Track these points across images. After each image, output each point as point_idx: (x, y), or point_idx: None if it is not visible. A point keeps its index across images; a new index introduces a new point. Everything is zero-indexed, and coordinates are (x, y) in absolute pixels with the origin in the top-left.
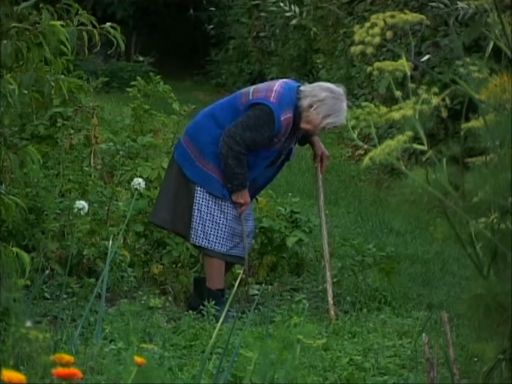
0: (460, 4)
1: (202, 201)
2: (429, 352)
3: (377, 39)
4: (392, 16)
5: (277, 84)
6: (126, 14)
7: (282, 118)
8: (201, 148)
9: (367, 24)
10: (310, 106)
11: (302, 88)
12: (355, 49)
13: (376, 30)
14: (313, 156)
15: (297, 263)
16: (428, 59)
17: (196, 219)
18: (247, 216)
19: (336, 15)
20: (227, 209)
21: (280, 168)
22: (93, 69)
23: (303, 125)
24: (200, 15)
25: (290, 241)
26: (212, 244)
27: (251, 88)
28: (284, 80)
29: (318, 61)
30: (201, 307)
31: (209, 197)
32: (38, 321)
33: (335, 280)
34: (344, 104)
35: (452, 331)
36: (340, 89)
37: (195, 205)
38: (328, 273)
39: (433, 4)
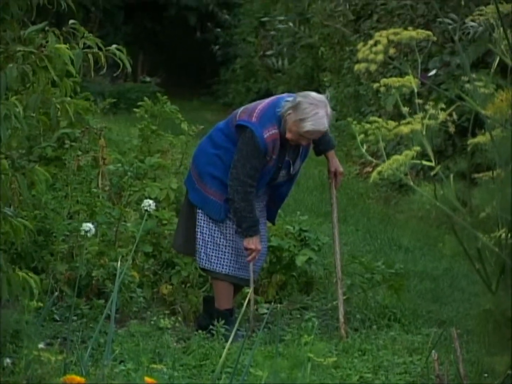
0: (470, 23)
1: (204, 223)
2: (439, 368)
3: (380, 57)
4: (395, 33)
5: (265, 102)
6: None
7: (265, 136)
8: (199, 169)
9: (370, 42)
10: (286, 112)
11: (287, 98)
12: (359, 67)
13: (380, 47)
14: (327, 172)
15: (306, 281)
16: (436, 74)
17: (199, 241)
18: (261, 238)
19: (342, 33)
20: (227, 230)
21: (291, 185)
22: (100, 90)
23: (287, 135)
24: (206, 35)
25: (299, 260)
26: (214, 266)
27: (241, 108)
28: (279, 95)
29: (325, 79)
30: (211, 326)
31: (209, 219)
32: (49, 343)
33: (344, 297)
34: (320, 111)
35: (462, 347)
36: (321, 97)
37: (197, 228)
38: (339, 291)
39: (440, 19)
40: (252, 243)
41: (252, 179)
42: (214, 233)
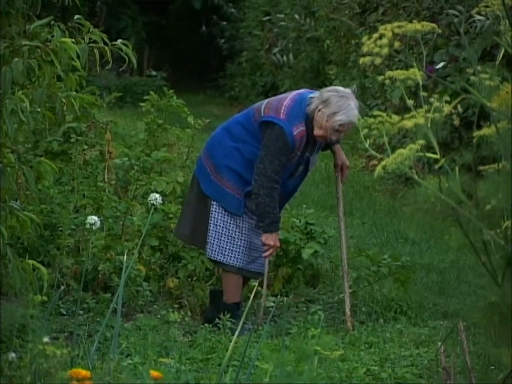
0: (477, 17)
1: (218, 216)
2: (445, 361)
3: (385, 50)
4: (400, 26)
5: (289, 98)
6: (139, 38)
7: (294, 133)
8: (215, 162)
9: (375, 35)
10: (316, 109)
11: (311, 95)
12: (364, 61)
13: (384, 40)
14: (334, 166)
15: (313, 274)
16: (443, 66)
17: (212, 233)
18: None
19: (348, 26)
20: (243, 223)
21: (302, 180)
22: (107, 85)
23: (316, 132)
24: (212, 29)
25: (306, 253)
26: (227, 259)
27: (264, 102)
28: (298, 91)
29: (331, 72)
30: (217, 320)
31: (224, 211)
32: (55, 337)
33: (351, 290)
34: (352, 102)
35: (468, 340)
36: (347, 89)
37: (211, 220)
38: (346, 284)
39: (446, 11)
40: (272, 239)
41: (279, 175)
42: (229, 226)
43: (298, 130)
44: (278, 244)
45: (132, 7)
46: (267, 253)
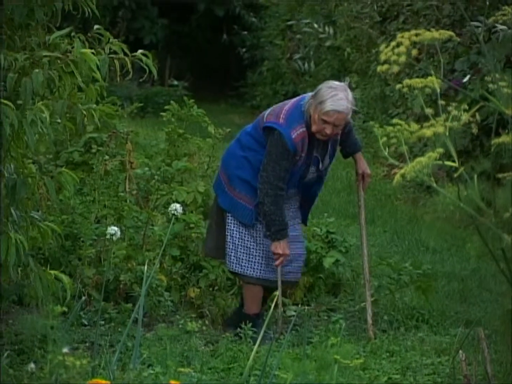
0: (499, 26)
1: (233, 227)
2: (467, 369)
3: (403, 58)
4: (417, 34)
5: (290, 103)
6: (155, 39)
7: (293, 136)
8: (228, 173)
9: (393, 43)
10: (307, 102)
11: (310, 94)
12: (381, 68)
13: (402, 48)
14: (355, 174)
15: (334, 283)
16: (469, 79)
17: (229, 245)
18: (296, 238)
19: (369, 35)
20: (257, 233)
21: (320, 183)
22: (128, 94)
23: (312, 128)
24: (233, 38)
25: (327, 262)
26: (244, 269)
27: (268, 110)
28: (302, 95)
29: (351, 81)
30: (238, 329)
31: (239, 223)
32: (75, 348)
33: (372, 299)
34: (340, 93)
35: (490, 348)
36: (340, 83)
37: (227, 232)
38: (367, 292)
39: (468, 23)
40: (280, 247)
41: (283, 181)
42: (245, 237)
43: (297, 132)
44: (287, 252)
45: (151, 10)
46: (277, 262)
